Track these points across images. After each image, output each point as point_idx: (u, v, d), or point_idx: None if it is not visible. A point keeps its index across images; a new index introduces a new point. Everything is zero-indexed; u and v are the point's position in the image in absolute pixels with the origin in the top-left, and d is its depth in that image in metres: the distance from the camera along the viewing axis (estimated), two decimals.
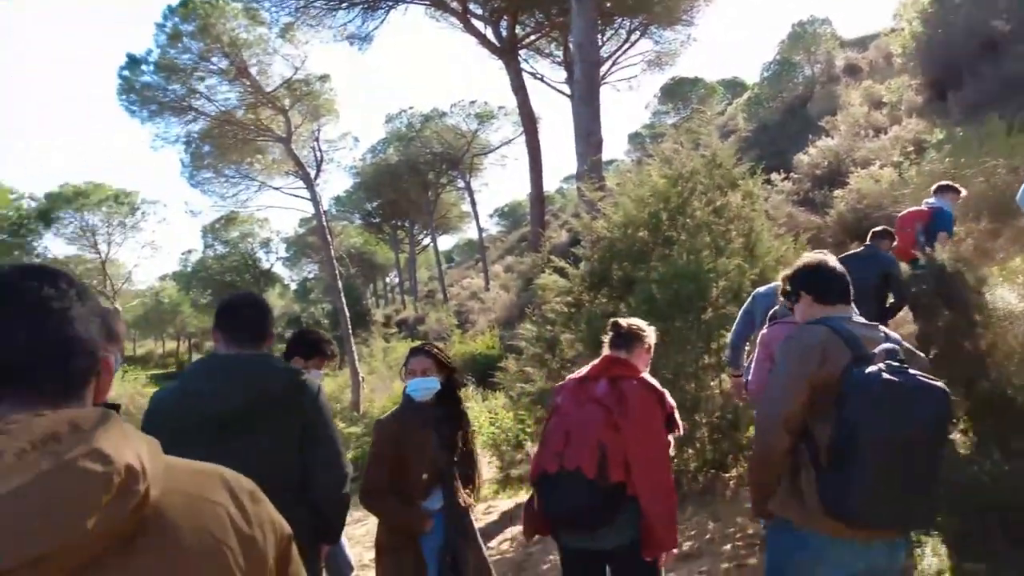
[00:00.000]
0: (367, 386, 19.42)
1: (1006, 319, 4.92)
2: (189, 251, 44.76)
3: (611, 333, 3.23)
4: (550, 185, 56.37)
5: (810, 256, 2.75)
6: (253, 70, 23.72)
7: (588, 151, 10.49)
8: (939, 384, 2.30)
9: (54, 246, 32.30)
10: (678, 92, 42.71)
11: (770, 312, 4.05)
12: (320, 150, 29.49)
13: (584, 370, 3.18)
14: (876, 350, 2.33)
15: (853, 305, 2.62)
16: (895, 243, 6.32)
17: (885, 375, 2.23)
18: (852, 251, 6.29)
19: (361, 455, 11.00)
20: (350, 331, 20.07)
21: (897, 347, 2.37)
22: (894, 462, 2.25)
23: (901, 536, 2.51)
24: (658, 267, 6.33)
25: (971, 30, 16.74)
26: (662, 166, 7.04)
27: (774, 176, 16.26)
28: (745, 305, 4.99)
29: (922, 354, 2.66)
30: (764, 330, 4.00)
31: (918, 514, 2.40)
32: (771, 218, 7.14)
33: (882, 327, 2.60)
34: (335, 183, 63.79)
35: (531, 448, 7.41)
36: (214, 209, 31.99)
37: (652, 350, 3.33)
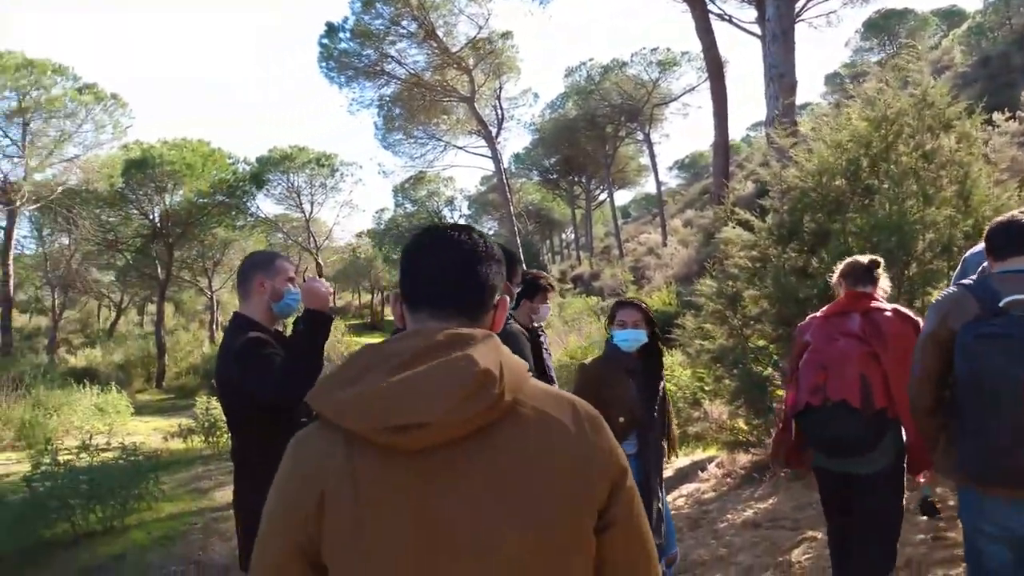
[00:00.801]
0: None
1: None
2: (382, 210, 47.50)
3: (850, 269, 3.35)
4: (736, 133, 53.76)
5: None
6: (440, 31, 24.51)
7: (780, 94, 9.80)
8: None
9: (265, 206, 35.61)
10: (884, 26, 38.84)
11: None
12: (501, 108, 30.05)
13: (827, 308, 3.34)
14: (1005, 300, 2.30)
15: None
16: None
17: (985, 327, 2.27)
18: None
19: None
20: None
21: (1020, 299, 2.28)
22: (997, 412, 2.24)
23: None
24: (856, 218, 5.87)
25: None
26: (864, 108, 6.45)
27: (996, 115, 14.45)
28: (956, 272, 4.53)
29: None
30: None
31: None
32: (991, 162, 6.34)
33: None
34: (515, 140, 64.97)
35: (708, 406, 7.23)
36: (404, 169, 33.76)
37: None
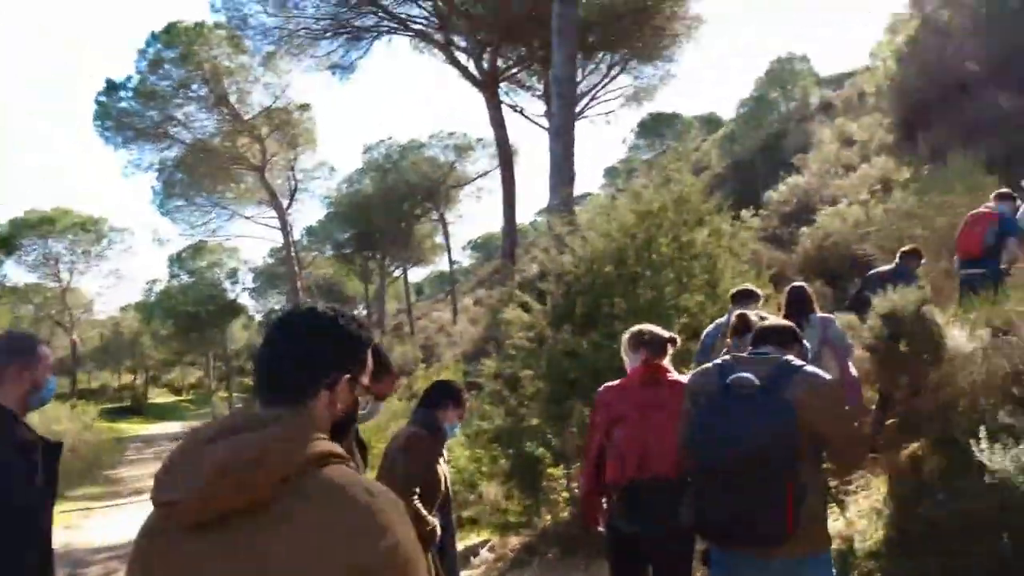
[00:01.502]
0: None
1: (955, 359, 4.89)
2: (154, 281, 43.89)
3: (651, 339, 3.54)
4: (525, 217, 56.42)
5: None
6: (232, 98, 23.67)
7: (560, 185, 10.47)
8: (776, 401, 2.57)
9: (14, 273, 31.48)
10: (655, 127, 43.27)
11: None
12: (295, 179, 29.44)
13: (631, 378, 3.53)
14: (730, 379, 2.67)
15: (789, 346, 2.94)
16: (923, 261, 6.87)
17: (714, 400, 2.67)
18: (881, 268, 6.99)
19: None
20: None
21: (750, 376, 2.63)
22: (714, 481, 2.62)
23: (809, 554, 2.65)
24: (621, 303, 6.26)
25: (944, 71, 17.08)
26: (631, 201, 7.01)
27: (744, 212, 16.41)
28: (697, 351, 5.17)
29: (824, 377, 2.80)
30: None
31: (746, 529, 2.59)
32: (735, 254, 7.11)
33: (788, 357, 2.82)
34: (308, 213, 63.52)
35: (484, 488, 7.20)
36: (183, 237, 31.59)
37: None
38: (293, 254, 23.93)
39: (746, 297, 5.34)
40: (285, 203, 26.73)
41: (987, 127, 13.92)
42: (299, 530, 1.18)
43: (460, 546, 7.14)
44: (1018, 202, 7.08)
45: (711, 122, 45.64)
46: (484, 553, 6.65)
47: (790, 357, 2.80)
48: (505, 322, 6.88)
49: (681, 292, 6.33)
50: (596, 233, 6.92)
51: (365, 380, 1.44)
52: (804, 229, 14.64)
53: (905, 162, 14.24)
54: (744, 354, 2.89)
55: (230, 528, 1.18)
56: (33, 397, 2.70)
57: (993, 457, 3.87)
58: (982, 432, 3.98)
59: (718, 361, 2.86)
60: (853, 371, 5.15)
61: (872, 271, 7.06)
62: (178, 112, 23.87)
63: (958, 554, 3.86)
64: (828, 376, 2.88)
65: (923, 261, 6.85)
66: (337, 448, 1.31)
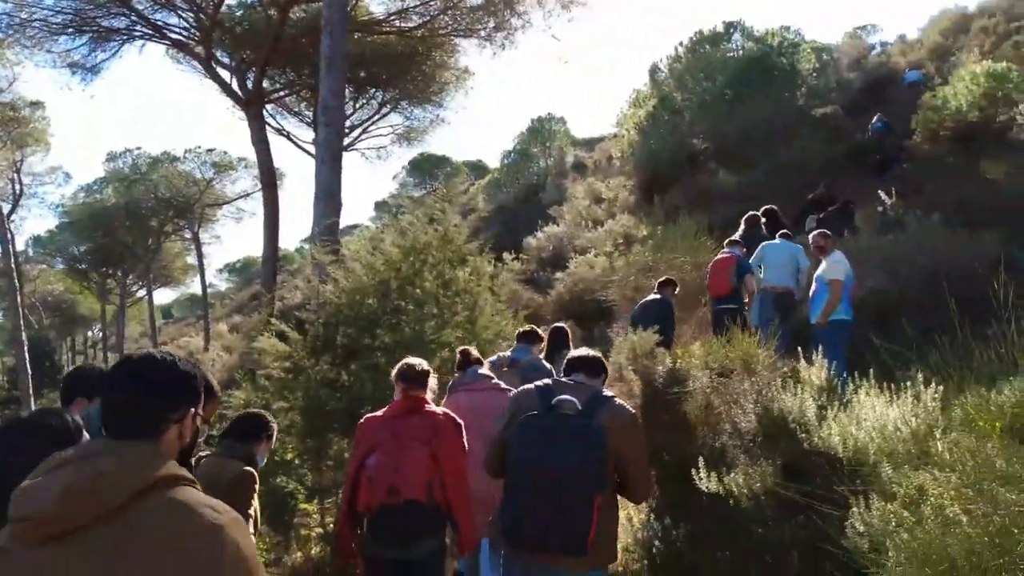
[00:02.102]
0: None
1: (680, 397, 5.54)
2: None
3: (407, 372, 3.76)
4: (290, 243, 54.47)
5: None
6: None
7: (326, 213, 10.28)
8: (592, 425, 2.88)
9: None
10: (426, 167, 44.10)
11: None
12: (20, 182, 25.89)
13: (390, 410, 3.74)
14: (555, 400, 2.97)
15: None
16: (677, 289, 8.22)
17: (536, 419, 2.94)
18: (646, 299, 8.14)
19: None
20: (30, 392, 17.29)
21: (573, 400, 2.95)
22: (532, 493, 2.84)
23: (594, 568, 2.96)
24: (384, 335, 6.27)
25: (677, 144, 19.49)
26: (397, 237, 7.08)
27: (506, 255, 17.26)
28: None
29: (629, 410, 3.14)
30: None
31: (555, 540, 2.81)
32: (495, 294, 7.45)
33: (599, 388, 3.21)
34: (37, 222, 56.00)
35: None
36: None
37: None
38: (13, 267, 20.79)
39: (530, 338, 5.96)
40: (6, 208, 23.32)
41: (710, 196, 16.09)
42: (147, 543, 1.34)
43: None
44: (743, 249, 8.39)
45: (478, 168, 47.53)
46: None
47: (602, 388, 3.20)
48: (259, 351, 6.57)
49: (442, 327, 6.49)
50: (360, 265, 6.89)
51: (202, 410, 1.66)
52: (559, 274, 15.70)
53: (644, 221, 15.85)
54: (565, 380, 3.18)
55: (80, 541, 1.33)
56: None
57: (709, 484, 4.42)
58: (700, 462, 4.53)
59: (540, 384, 3.15)
60: None
61: (641, 300, 8.26)
62: None
63: (692, 569, 4.32)
64: (631, 409, 3.18)
65: (677, 290, 8.25)
66: (185, 472, 1.47)
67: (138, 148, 36.11)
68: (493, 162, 41.14)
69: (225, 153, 34.14)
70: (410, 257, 6.99)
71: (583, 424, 2.89)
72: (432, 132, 23.94)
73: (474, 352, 4.93)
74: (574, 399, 2.95)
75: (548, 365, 5.48)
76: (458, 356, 4.91)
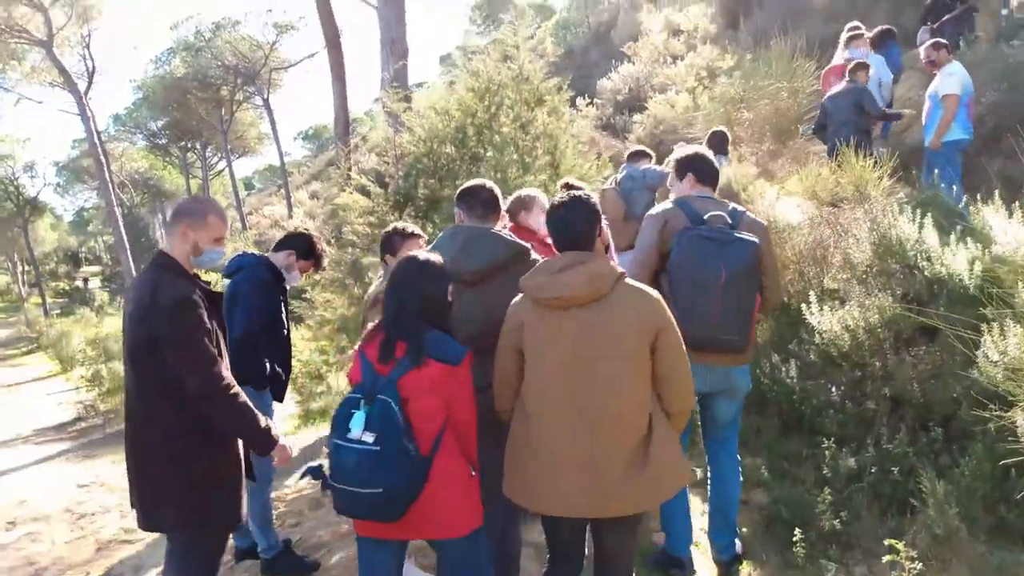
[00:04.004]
0: None
1: (784, 231, 5.19)
2: None
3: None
4: (359, 107, 53.98)
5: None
6: None
7: (392, 59, 9.84)
8: (752, 239, 3.13)
9: None
10: (489, 12, 42.05)
11: None
12: (92, 59, 25.97)
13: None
14: (707, 215, 3.18)
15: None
16: (870, 71, 7.37)
17: (701, 232, 3.11)
18: (833, 91, 7.29)
19: None
20: (131, 265, 18.09)
21: (723, 214, 3.20)
22: (704, 298, 3.07)
23: (732, 363, 3.27)
24: (465, 184, 6.05)
25: None
26: (470, 79, 6.69)
27: (579, 101, 16.45)
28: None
29: (762, 221, 3.44)
30: None
31: (727, 339, 3.14)
32: (575, 136, 7.06)
33: (732, 204, 3.41)
34: (114, 99, 56.94)
35: (332, 379, 6.98)
36: None
37: None
38: (98, 145, 21.24)
39: (640, 156, 6.49)
40: (83, 86, 23.58)
41: (803, 13, 14.66)
42: (625, 306, 2.42)
43: (314, 435, 6.95)
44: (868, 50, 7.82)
45: (544, 9, 45.02)
46: None
47: (733, 204, 3.39)
48: (342, 207, 6.48)
49: (524, 173, 6.21)
50: (434, 111, 6.58)
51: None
52: (637, 117, 14.93)
53: (729, 50, 14.71)
54: (697, 196, 3.33)
55: (589, 310, 2.41)
56: (195, 260, 2.86)
57: (821, 318, 4.17)
58: (812, 296, 4.26)
59: (680, 200, 3.31)
60: None
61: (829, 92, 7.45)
62: None
63: (804, 405, 4.18)
64: (763, 220, 3.55)
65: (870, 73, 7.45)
66: (623, 270, 2.54)
67: (199, 14, 35.55)
68: (560, 1, 38.80)
69: (284, 12, 33.34)
70: (485, 100, 6.63)
71: (737, 235, 3.12)
72: None
73: (575, 182, 4.81)
74: (723, 213, 3.20)
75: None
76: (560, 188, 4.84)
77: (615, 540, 2.58)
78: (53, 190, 44.66)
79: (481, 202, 3.05)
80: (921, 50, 6.90)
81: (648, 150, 6.85)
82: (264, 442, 2.83)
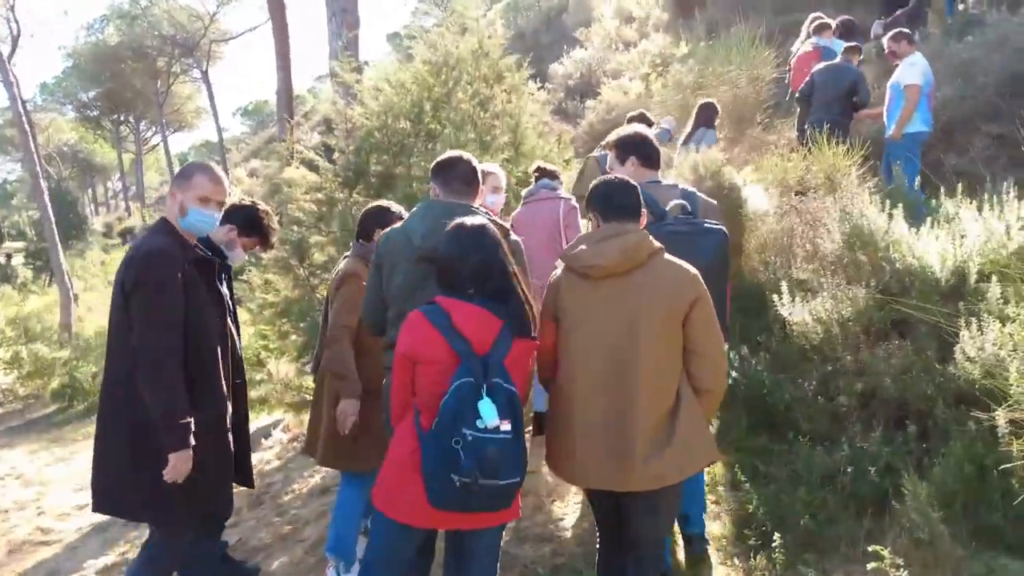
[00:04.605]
0: (82, 304, 16.84)
1: (756, 217, 5.05)
2: None
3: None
4: (301, 85, 52.56)
5: (633, 127, 3.45)
6: None
7: (344, 28, 9.39)
8: (719, 227, 3.01)
9: None
10: None
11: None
12: (16, 21, 24.53)
13: None
14: (669, 206, 3.03)
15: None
16: (862, 56, 7.40)
17: (670, 227, 2.90)
18: (827, 64, 7.16)
19: (68, 383, 9.42)
20: (57, 241, 17.11)
21: (685, 203, 3.07)
22: None
23: None
24: (420, 162, 5.74)
25: None
26: (427, 51, 6.36)
27: (531, 84, 16.20)
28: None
29: (713, 201, 3.47)
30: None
31: None
32: (534, 115, 6.80)
33: (681, 184, 3.40)
34: (42, 67, 54.26)
35: (273, 366, 6.60)
36: None
37: None
38: (23, 113, 19.99)
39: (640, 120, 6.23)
40: (5, 51, 22.19)
41: (753, 7, 14.69)
42: (660, 278, 2.43)
43: (251, 427, 6.57)
44: (833, 34, 7.79)
45: None
46: (277, 433, 6.17)
47: (683, 185, 3.38)
48: (287, 183, 6.08)
49: (483, 153, 5.92)
50: (388, 83, 6.24)
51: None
52: (589, 102, 14.78)
53: (684, 37, 14.63)
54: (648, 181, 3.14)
55: (624, 280, 2.43)
56: (182, 222, 2.76)
57: (792, 310, 4.02)
58: (783, 287, 4.10)
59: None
60: None
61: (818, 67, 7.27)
62: None
63: (774, 400, 4.03)
64: (715, 201, 3.52)
65: (861, 57, 7.38)
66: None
67: None
68: None
69: None
70: (442, 75, 6.31)
71: (703, 224, 2.98)
72: None
73: (549, 166, 4.91)
74: (682, 201, 3.07)
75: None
76: (532, 172, 4.93)
77: (643, 517, 2.52)
78: None
79: (459, 176, 2.80)
80: (884, 40, 6.86)
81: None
82: (171, 436, 2.53)
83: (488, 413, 2.21)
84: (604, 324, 2.43)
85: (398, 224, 2.84)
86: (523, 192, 4.89)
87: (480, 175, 2.89)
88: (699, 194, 3.30)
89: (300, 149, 6.10)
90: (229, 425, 2.83)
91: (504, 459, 2.23)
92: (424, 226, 2.67)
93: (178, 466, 2.54)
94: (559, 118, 15.33)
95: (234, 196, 3.70)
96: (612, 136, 3.44)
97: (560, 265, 2.60)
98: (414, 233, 2.68)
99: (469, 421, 2.20)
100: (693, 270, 2.47)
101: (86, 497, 5.44)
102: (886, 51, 6.73)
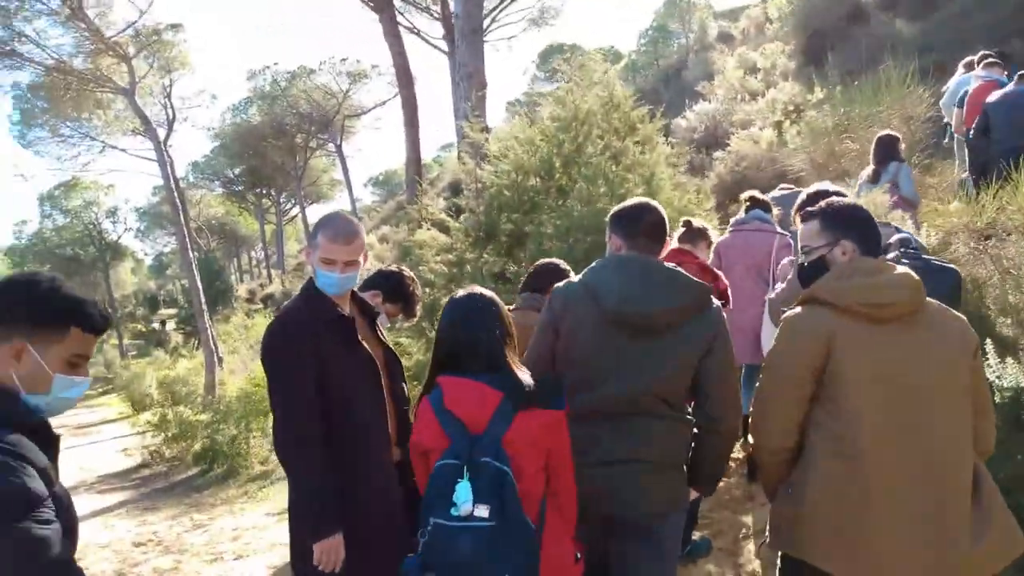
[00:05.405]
0: (225, 367, 17.69)
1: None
2: (23, 222, 40.08)
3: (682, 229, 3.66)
4: (427, 153, 54.72)
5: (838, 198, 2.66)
6: (90, 12, 20.93)
7: (472, 90, 9.50)
8: (952, 266, 2.80)
9: None
10: (556, 58, 42.28)
11: None
12: (172, 107, 26.86)
13: None
14: (891, 240, 2.78)
15: None
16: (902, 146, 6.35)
17: (904, 260, 2.55)
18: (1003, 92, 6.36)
19: (209, 446, 9.64)
20: (203, 307, 18.18)
21: (910, 236, 2.86)
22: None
23: None
24: (553, 218, 5.52)
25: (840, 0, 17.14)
26: (555, 106, 6.21)
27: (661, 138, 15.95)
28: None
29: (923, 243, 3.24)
30: None
31: None
32: (672, 165, 6.47)
33: (894, 223, 3.22)
34: (192, 146, 59.40)
35: None
36: (51, 173, 28.62)
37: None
38: (175, 190, 21.73)
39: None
40: (162, 133, 24.31)
41: (885, 49, 13.93)
42: (945, 326, 2.08)
43: None
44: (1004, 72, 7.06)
45: (611, 54, 45.08)
46: None
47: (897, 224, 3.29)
48: (418, 244, 6.01)
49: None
50: (517, 141, 6.11)
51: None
52: (718, 154, 14.30)
53: (818, 82, 13.99)
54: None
55: (913, 325, 2.03)
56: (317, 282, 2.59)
57: (1004, 374, 3.41)
58: (989, 346, 3.51)
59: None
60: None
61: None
62: (27, 28, 21.01)
63: None
64: None
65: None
66: None
67: (275, 64, 36.77)
68: (628, 45, 38.67)
69: (358, 62, 34.13)
70: (571, 130, 6.12)
71: (933, 262, 2.77)
72: (564, 11, 22.29)
73: (761, 196, 4.90)
74: (907, 234, 2.91)
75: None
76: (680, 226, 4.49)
77: None
78: (134, 235, 46.36)
79: (647, 227, 2.43)
80: None
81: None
82: (310, 523, 2.33)
83: (460, 496, 1.90)
84: (902, 379, 2.00)
85: (574, 279, 2.50)
86: (732, 219, 4.86)
87: (667, 226, 2.55)
88: (914, 236, 2.98)
89: (431, 212, 6.01)
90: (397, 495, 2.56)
91: (480, 552, 1.89)
92: (621, 285, 2.31)
93: (326, 555, 2.31)
94: (686, 173, 14.92)
95: (368, 262, 3.53)
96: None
97: (800, 304, 2.15)
98: (608, 293, 2.32)
99: (441, 508, 1.93)
100: (959, 314, 2.14)
101: (221, 569, 5.51)
102: None
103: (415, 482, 2.58)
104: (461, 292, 2.30)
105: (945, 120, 8.13)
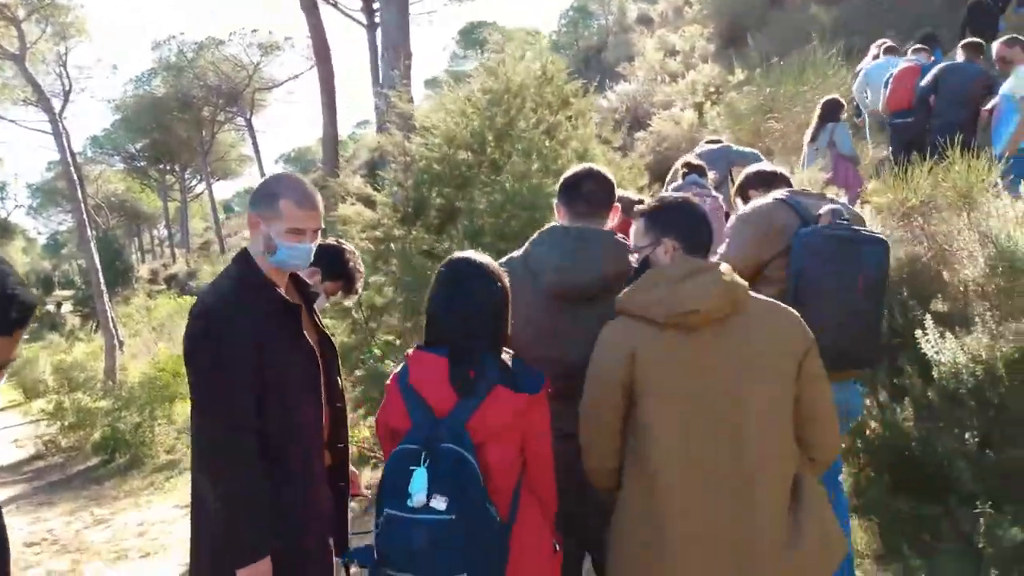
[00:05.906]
0: (127, 351, 16.72)
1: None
2: None
3: None
4: (342, 131, 53.35)
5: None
6: None
7: (397, 61, 9.13)
8: (883, 237, 2.69)
9: None
10: (476, 36, 41.83)
11: None
12: (68, 76, 25.08)
13: None
14: (821, 211, 2.65)
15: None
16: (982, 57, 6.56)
17: (828, 231, 2.57)
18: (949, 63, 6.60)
19: (110, 434, 9.04)
20: (103, 289, 17.11)
21: (841, 207, 2.73)
22: (839, 306, 2.53)
23: (853, 379, 2.82)
24: (486, 193, 5.30)
25: None
26: (487, 78, 5.97)
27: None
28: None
29: (859, 212, 3.08)
30: None
31: (864, 354, 2.71)
32: (606, 141, 6.35)
33: (828, 195, 3.20)
34: (92, 119, 56.14)
35: None
36: None
37: None
38: (72, 166, 20.28)
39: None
40: (57, 105, 22.65)
41: (805, 33, 14.29)
42: (764, 325, 1.95)
43: None
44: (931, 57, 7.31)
45: (532, 34, 44.93)
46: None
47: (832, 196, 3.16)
48: (342, 219, 5.68)
49: (553, 182, 5.47)
50: (447, 111, 5.85)
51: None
52: (639, 134, 14.39)
53: (739, 65, 14.21)
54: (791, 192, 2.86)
55: (725, 327, 1.91)
56: (270, 259, 2.16)
57: (942, 348, 3.41)
58: (928, 320, 3.51)
59: (781, 197, 2.77)
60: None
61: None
62: None
63: (924, 460, 3.42)
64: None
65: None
66: None
67: (181, 34, 34.88)
68: (549, 26, 38.70)
69: (270, 33, 32.72)
70: (503, 103, 5.90)
71: (866, 233, 2.64)
72: None
73: (696, 161, 4.93)
74: (839, 206, 2.72)
75: None
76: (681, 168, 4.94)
77: None
78: (25, 212, 43.52)
79: (587, 194, 2.34)
80: (994, 46, 6.27)
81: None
82: (236, 544, 1.97)
83: (416, 486, 1.73)
84: (705, 390, 1.91)
85: (516, 253, 2.35)
86: (670, 187, 4.82)
87: (614, 191, 2.41)
88: (848, 206, 2.89)
89: (356, 186, 5.69)
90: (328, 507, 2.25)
91: (435, 548, 1.72)
92: (556, 255, 2.23)
93: None
94: (608, 150, 14.96)
95: None
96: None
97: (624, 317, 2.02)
98: (545, 266, 2.23)
99: (395, 498, 1.77)
100: (792, 310, 2.03)
101: (126, 570, 5.11)
102: (994, 57, 6.14)
103: (344, 486, 2.39)
104: (457, 254, 2.09)
105: (855, 102, 8.32)
